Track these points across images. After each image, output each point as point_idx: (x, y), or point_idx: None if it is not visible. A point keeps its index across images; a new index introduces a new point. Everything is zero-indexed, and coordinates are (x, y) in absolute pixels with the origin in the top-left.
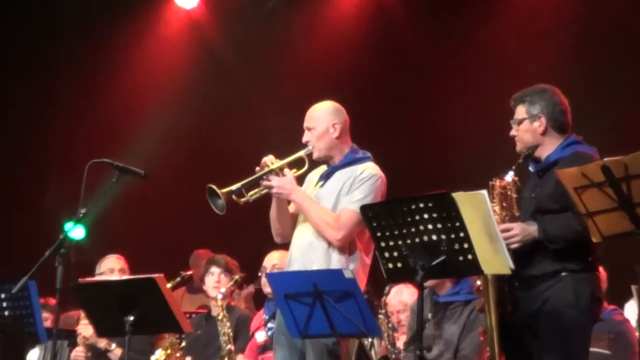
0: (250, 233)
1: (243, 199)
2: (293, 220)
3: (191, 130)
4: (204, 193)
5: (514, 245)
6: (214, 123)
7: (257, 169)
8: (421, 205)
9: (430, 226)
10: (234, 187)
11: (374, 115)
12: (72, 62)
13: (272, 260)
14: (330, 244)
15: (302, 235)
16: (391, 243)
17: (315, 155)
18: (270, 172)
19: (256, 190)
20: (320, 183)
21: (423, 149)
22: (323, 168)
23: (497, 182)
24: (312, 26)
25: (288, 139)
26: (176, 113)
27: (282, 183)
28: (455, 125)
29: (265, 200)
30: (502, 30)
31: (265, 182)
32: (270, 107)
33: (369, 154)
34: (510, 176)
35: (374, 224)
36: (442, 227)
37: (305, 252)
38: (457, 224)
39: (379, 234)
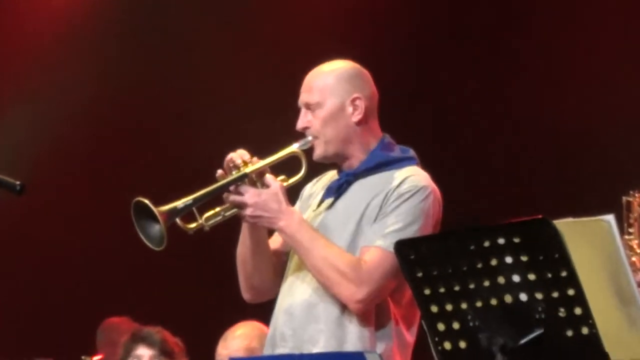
0: (207, 288)
1: (193, 225)
2: (279, 265)
3: (98, 117)
4: (124, 214)
5: None
6: (137, 108)
7: (219, 173)
8: (501, 240)
9: (516, 278)
10: (179, 202)
11: (420, 91)
12: None
13: (233, 344)
14: (344, 308)
15: (296, 293)
16: (449, 307)
17: (318, 153)
18: (242, 179)
19: (217, 209)
20: (328, 201)
21: (503, 147)
22: (332, 175)
23: (637, 198)
24: None
25: (269, 129)
26: (71, 93)
27: (262, 200)
28: (559, 108)
29: (232, 227)
30: None
31: (233, 197)
32: (237, 80)
33: (411, 152)
34: None
35: (419, 275)
36: (538, 278)
37: (302, 321)
38: (564, 273)
39: (427, 292)
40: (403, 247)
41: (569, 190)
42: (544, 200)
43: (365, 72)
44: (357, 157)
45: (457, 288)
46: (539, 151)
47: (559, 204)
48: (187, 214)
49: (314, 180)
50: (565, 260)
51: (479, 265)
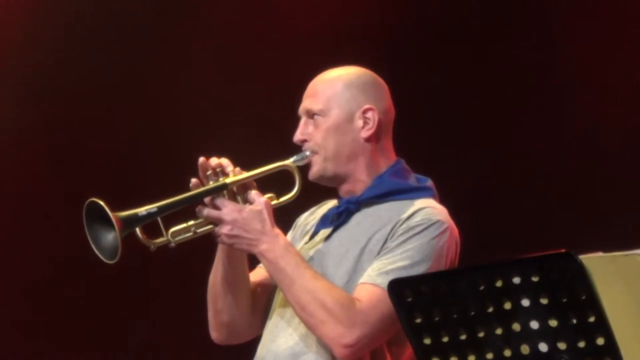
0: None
1: (158, 241)
2: (260, 302)
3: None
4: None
5: None
6: (91, 106)
7: (194, 181)
8: (517, 280)
9: (535, 324)
10: (142, 209)
11: (436, 105)
12: None
13: None
14: (333, 358)
15: (279, 338)
16: None
17: (314, 171)
18: (220, 189)
19: (188, 224)
20: (324, 232)
21: (519, 170)
22: (332, 204)
23: None
24: None
25: (261, 143)
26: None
27: (243, 217)
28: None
29: (205, 247)
30: None
31: (207, 211)
32: (217, 82)
33: (429, 183)
34: None
35: (418, 321)
36: (561, 325)
37: None
38: (592, 318)
39: (427, 342)
40: (398, 287)
41: (597, 220)
42: (568, 232)
43: (382, 81)
44: (361, 181)
45: (463, 337)
46: (560, 174)
47: (586, 236)
48: (151, 225)
49: (312, 209)
50: (593, 303)
51: (490, 310)
